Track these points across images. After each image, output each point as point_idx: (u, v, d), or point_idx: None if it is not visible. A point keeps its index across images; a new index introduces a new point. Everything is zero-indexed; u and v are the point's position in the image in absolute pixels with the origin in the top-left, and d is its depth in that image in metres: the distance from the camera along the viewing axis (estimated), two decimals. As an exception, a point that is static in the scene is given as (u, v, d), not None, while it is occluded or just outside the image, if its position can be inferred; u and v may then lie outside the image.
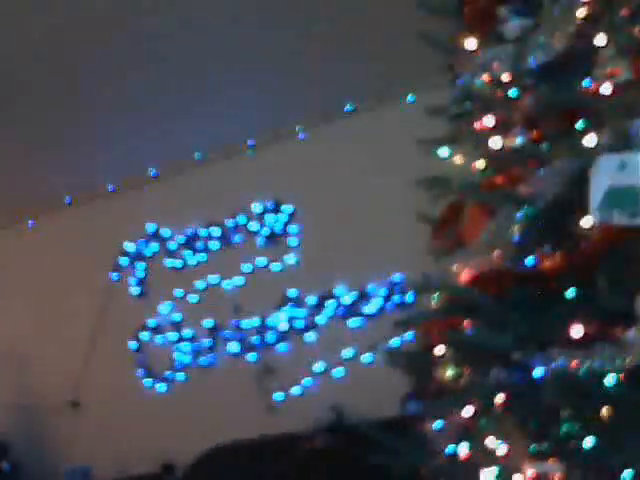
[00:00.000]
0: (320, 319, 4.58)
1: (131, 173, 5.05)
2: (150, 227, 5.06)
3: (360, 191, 4.46)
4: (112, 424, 4.91)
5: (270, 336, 4.68)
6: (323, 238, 4.57)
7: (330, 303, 4.55)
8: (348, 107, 4.59)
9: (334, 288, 4.55)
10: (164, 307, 4.95)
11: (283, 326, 4.65)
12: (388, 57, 4.04)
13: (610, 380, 1.84)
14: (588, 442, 1.86)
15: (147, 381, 4.94)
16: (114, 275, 5.12)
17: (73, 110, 4.39)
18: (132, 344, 5.00)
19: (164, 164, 5.02)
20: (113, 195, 5.21)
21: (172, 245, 5.00)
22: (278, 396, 4.59)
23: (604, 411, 1.86)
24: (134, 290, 5.07)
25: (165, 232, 5.03)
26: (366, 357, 4.38)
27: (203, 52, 4.06)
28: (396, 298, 4.37)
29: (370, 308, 4.45)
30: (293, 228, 4.72)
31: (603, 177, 1.90)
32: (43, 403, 5.14)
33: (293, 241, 4.71)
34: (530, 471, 1.93)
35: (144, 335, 4.99)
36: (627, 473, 1.82)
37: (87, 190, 5.21)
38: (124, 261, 5.12)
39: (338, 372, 4.46)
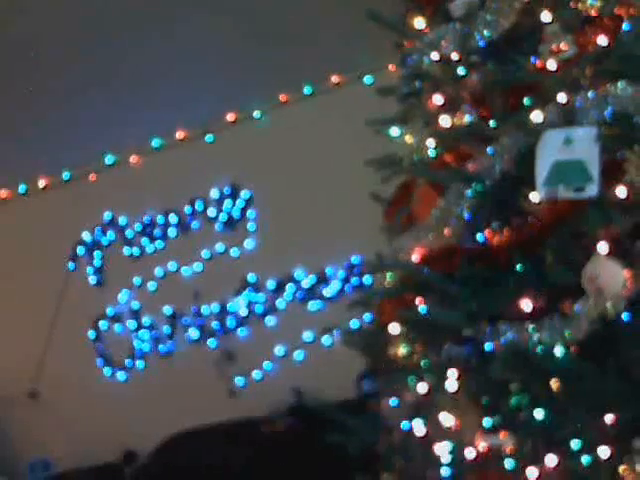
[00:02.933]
0: (280, 303, 4.58)
1: (87, 160, 4.98)
2: (106, 215, 5.00)
3: (317, 174, 4.45)
4: (72, 414, 4.86)
5: (230, 321, 4.67)
6: (281, 222, 4.57)
7: (289, 287, 4.55)
8: (306, 90, 4.58)
9: (293, 272, 4.55)
10: (122, 295, 4.90)
11: (243, 311, 4.64)
12: (343, 39, 4.04)
13: (558, 352, 1.87)
14: (538, 414, 1.89)
15: (107, 370, 4.90)
16: (71, 264, 5.06)
17: (24, 96, 4.32)
18: (91, 333, 4.95)
19: (120, 151, 4.96)
20: (69, 183, 5.14)
21: (129, 233, 4.96)
22: (239, 381, 4.59)
23: (553, 383, 1.88)
24: (91, 279, 5.02)
25: (122, 220, 4.98)
26: (326, 340, 4.39)
27: (158, 35, 4.02)
28: (355, 280, 4.39)
29: (329, 291, 4.46)
30: (251, 213, 4.70)
31: (549, 152, 1.91)
32: (1, 395, 5.07)
33: (251, 226, 4.70)
34: (482, 445, 1.96)
35: (103, 324, 4.94)
36: (575, 443, 1.85)
37: (42, 178, 5.14)
38: (81, 250, 5.06)
39: (298, 355, 4.47)
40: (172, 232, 4.85)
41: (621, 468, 1.82)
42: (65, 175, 5.12)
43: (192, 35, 4.03)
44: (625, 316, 1.84)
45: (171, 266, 4.81)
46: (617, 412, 1.85)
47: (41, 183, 5.16)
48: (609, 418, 1.85)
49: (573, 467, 1.87)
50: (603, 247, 1.86)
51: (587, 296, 1.86)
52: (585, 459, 1.85)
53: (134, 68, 4.22)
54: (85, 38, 3.90)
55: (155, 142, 4.88)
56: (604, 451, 1.84)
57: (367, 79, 4.36)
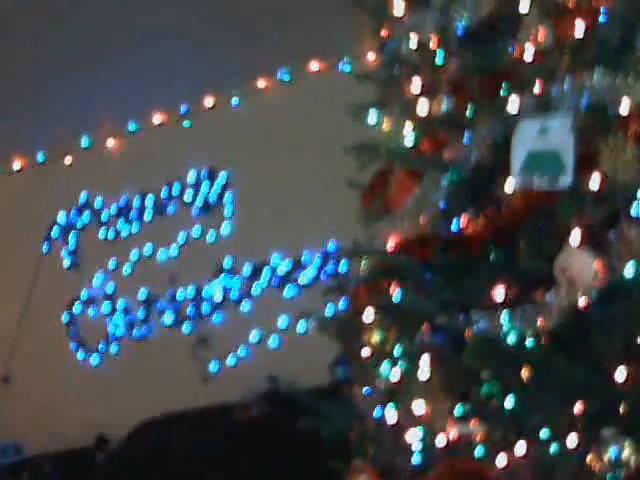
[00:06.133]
0: (255, 289, 4.57)
1: (62, 142, 4.94)
2: (82, 197, 4.97)
3: (295, 160, 4.44)
4: (44, 398, 4.84)
5: (205, 306, 4.66)
6: (258, 207, 4.56)
7: (265, 272, 4.55)
8: (284, 76, 4.56)
9: (269, 257, 4.54)
10: (97, 278, 4.88)
11: (218, 296, 4.63)
12: (322, 24, 4.02)
13: (530, 342, 1.88)
14: (508, 403, 1.90)
15: (80, 354, 4.88)
16: (45, 246, 5.02)
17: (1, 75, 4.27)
18: (64, 316, 4.92)
19: (96, 132, 4.92)
20: (44, 165, 5.09)
21: (105, 215, 4.92)
22: (213, 366, 4.58)
23: (523, 372, 1.90)
24: (66, 261, 4.99)
25: (97, 202, 4.95)
26: (301, 326, 4.39)
27: (135, 17, 3.98)
28: (331, 267, 4.39)
29: (305, 277, 4.46)
30: (227, 197, 4.69)
31: (524, 142, 1.92)
32: (-28, 378, 5.04)
33: (228, 211, 4.68)
34: (453, 432, 1.97)
35: (76, 307, 4.91)
36: (544, 432, 1.87)
37: (17, 159, 5.09)
38: (55, 232, 5.02)
39: (273, 341, 4.47)
40: (148, 215, 4.83)
41: (589, 457, 1.84)
42: (40, 156, 5.08)
43: (170, 18, 3.99)
44: (595, 306, 1.85)
45: (146, 249, 4.80)
46: (586, 402, 1.87)
47: (16, 164, 5.12)
48: (578, 407, 1.87)
49: (542, 455, 1.88)
50: (575, 237, 1.87)
51: (559, 286, 1.87)
52: (554, 447, 1.87)
53: (111, 50, 4.18)
54: (59, 19, 3.85)
55: (132, 125, 4.85)
56: (573, 440, 1.85)
57: (346, 66, 4.35)
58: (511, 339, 1.88)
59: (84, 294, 4.91)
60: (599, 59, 1.96)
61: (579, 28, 1.98)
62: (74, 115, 4.69)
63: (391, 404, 2.13)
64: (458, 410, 2.00)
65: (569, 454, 1.84)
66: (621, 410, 1.85)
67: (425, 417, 2.04)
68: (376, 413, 2.19)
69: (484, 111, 2.06)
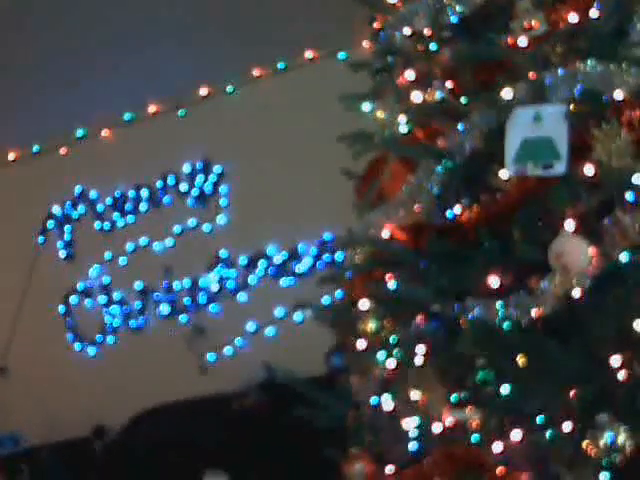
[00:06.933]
0: (251, 279, 4.57)
1: (57, 134, 4.93)
2: (77, 189, 4.96)
3: (290, 150, 4.44)
4: (41, 389, 4.84)
5: (201, 297, 4.66)
6: (253, 198, 4.55)
7: (261, 263, 4.55)
8: (279, 65, 4.55)
9: (265, 248, 4.54)
10: (93, 270, 4.87)
11: (214, 287, 4.63)
12: (317, 13, 4.01)
13: (525, 329, 1.89)
14: (503, 389, 1.91)
15: (77, 345, 4.88)
16: (41, 238, 5.02)
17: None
18: (61, 308, 4.92)
19: (91, 124, 4.90)
20: (38, 156, 5.08)
21: (100, 207, 4.92)
22: (210, 357, 4.59)
23: (519, 359, 1.90)
24: (62, 253, 4.98)
25: (93, 194, 4.94)
26: (297, 316, 4.40)
27: (129, 6, 3.97)
28: (327, 256, 4.39)
29: (301, 267, 4.46)
30: (223, 188, 4.69)
31: (518, 129, 1.92)
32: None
33: (223, 201, 4.68)
34: (449, 419, 1.98)
35: (73, 298, 4.91)
36: (540, 418, 1.88)
37: (11, 151, 5.08)
38: (51, 224, 5.02)
39: (270, 331, 4.48)
40: (143, 207, 4.83)
41: (584, 443, 1.85)
42: (35, 148, 5.06)
43: (165, 7, 3.98)
44: (590, 293, 1.86)
45: (142, 241, 4.79)
46: (581, 388, 1.88)
47: (10, 156, 5.10)
48: (573, 394, 1.88)
49: (537, 441, 1.89)
50: (570, 224, 1.88)
51: (554, 273, 1.87)
52: (549, 434, 1.88)
53: (105, 40, 4.17)
54: (54, 7, 3.84)
55: (126, 115, 4.84)
56: (568, 426, 1.86)
57: (341, 55, 4.34)
58: (506, 326, 1.88)
59: (80, 285, 4.91)
60: (593, 47, 1.96)
61: (573, 16, 1.98)
62: (69, 106, 4.68)
63: (387, 392, 2.14)
64: (454, 397, 2.01)
65: (564, 440, 1.85)
66: (616, 396, 1.86)
67: (421, 404, 2.05)
68: (372, 401, 2.20)
69: (478, 99, 2.06)
